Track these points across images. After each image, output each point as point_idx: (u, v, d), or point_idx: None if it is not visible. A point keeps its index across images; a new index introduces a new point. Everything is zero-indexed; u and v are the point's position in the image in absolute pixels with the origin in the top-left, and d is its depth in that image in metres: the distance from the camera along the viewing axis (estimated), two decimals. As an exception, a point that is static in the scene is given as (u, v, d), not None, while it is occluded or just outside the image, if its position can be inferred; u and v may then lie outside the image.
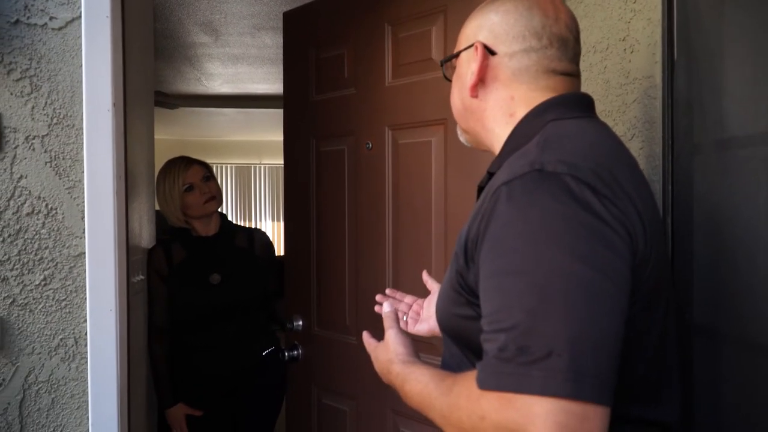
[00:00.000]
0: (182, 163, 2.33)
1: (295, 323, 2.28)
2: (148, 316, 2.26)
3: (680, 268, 1.18)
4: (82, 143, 1.55)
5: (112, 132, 1.56)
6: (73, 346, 1.57)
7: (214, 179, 2.39)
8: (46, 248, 1.56)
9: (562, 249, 0.72)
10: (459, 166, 1.74)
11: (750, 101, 1.02)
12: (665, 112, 1.24)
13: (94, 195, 1.55)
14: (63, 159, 1.56)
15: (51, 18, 1.54)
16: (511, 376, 0.68)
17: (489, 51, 0.96)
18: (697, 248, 1.14)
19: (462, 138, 1.10)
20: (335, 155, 2.12)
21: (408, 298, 1.33)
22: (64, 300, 1.57)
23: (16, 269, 1.55)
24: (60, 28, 1.54)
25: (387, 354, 1.02)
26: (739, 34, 1.07)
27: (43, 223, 1.55)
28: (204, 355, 2.28)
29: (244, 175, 8.57)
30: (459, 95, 1.03)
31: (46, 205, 1.55)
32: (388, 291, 1.35)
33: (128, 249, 1.71)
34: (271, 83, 5.14)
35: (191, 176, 2.31)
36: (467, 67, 0.99)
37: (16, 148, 1.54)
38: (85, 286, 1.56)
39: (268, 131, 7.33)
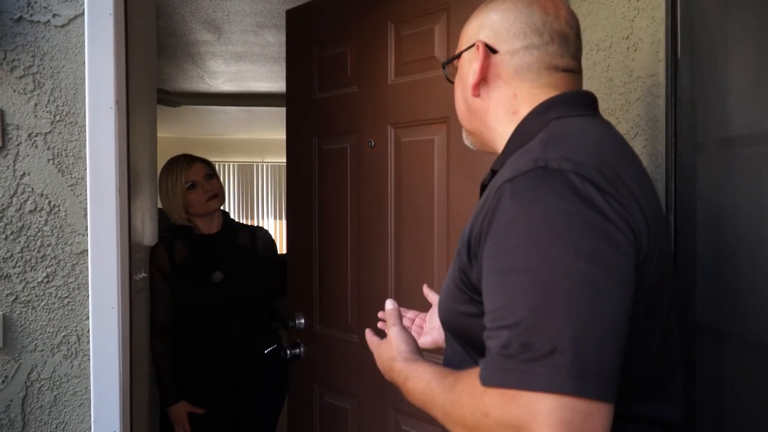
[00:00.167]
0: (185, 161, 2.33)
1: (297, 321, 2.29)
2: (151, 313, 2.26)
3: (683, 266, 1.18)
4: (85, 141, 1.55)
5: (114, 129, 1.56)
6: (75, 343, 1.58)
7: (217, 177, 2.39)
8: (48, 245, 1.56)
9: (566, 246, 0.72)
10: (461, 165, 1.74)
11: (753, 100, 1.02)
12: (668, 110, 1.24)
13: (97, 192, 1.56)
14: (66, 156, 1.56)
15: (54, 15, 1.54)
16: (514, 372, 0.68)
17: (490, 49, 0.96)
18: (700, 247, 1.14)
19: (467, 141, 1.10)
20: (338, 153, 2.12)
21: (410, 313, 1.33)
22: (66, 297, 1.57)
23: (19, 266, 1.55)
24: (63, 26, 1.54)
25: (389, 351, 1.02)
26: (743, 32, 1.07)
27: (46, 220, 1.56)
28: (206, 352, 2.28)
29: (246, 173, 8.57)
30: (462, 96, 1.03)
31: (49, 203, 1.56)
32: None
33: (131, 247, 1.71)
34: (274, 81, 5.15)
35: (194, 174, 2.31)
36: (469, 66, 0.99)
37: (18, 145, 1.54)
38: (87, 284, 1.57)
39: (270, 129, 7.33)
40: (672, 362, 0.88)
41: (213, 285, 2.28)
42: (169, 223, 2.39)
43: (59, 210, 1.56)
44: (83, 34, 1.54)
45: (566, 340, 0.67)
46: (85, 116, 1.55)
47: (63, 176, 1.56)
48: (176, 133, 7.59)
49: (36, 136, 1.55)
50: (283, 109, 2.39)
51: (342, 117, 2.10)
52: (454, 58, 1.05)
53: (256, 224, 7.98)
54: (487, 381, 0.71)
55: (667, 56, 1.24)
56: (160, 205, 2.40)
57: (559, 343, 0.67)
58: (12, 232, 1.55)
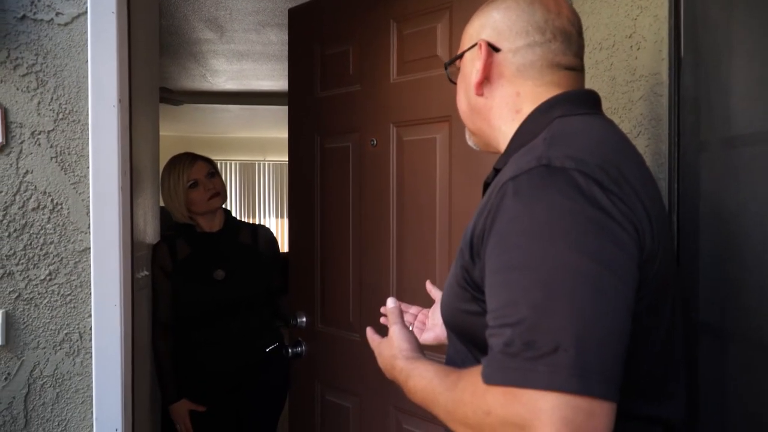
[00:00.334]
0: (187, 160, 2.33)
1: (298, 320, 2.29)
2: (153, 311, 2.27)
3: (686, 265, 1.17)
4: (88, 139, 1.56)
5: (117, 128, 1.56)
6: (77, 340, 1.58)
7: (219, 175, 2.40)
8: (51, 243, 1.56)
9: (569, 244, 0.71)
10: (464, 163, 1.74)
11: (757, 99, 1.02)
12: (672, 109, 1.23)
13: (100, 190, 1.56)
14: (68, 154, 1.56)
15: (57, 13, 1.54)
16: (517, 371, 0.68)
17: (493, 48, 0.96)
18: (703, 246, 1.14)
19: (470, 141, 1.10)
20: (340, 152, 2.12)
21: (413, 309, 1.32)
22: (69, 295, 1.57)
23: (22, 264, 1.55)
24: (66, 24, 1.55)
25: (391, 350, 1.02)
26: (746, 31, 1.06)
27: (49, 218, 1.56)
28: (208, 351, 2.28)
29: (248, 171, 8.58)
30: (465, 95, 1.03)
31: (52, 200, 1.56)
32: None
33: (133, 245, 1.72)
34: (276, 80, 5.15)
35: (196, 172, 2.31)
36: (472, 66, 0.99)
37: (22, 143, 1.54)
38: (90, 282, 1.57)
39: (272, 128, 7.34)
40: (675, 360, 0.88)
41: (215, 283, 2.28)
42: (171, 221, 2.40)
43: (62, 208, 1.56)
44: (86, 32, 1.54)
45: (569, 339, 0.67)
46: (87, 114, 1.55)
47: (66, 174, 1.56)
48: (178, 131, 7.60)
49: (39, 134, 1.55)
50: (285, 108, 2.39)
51: (344, 116, 2.10)
52: (456, 59, 1.05)
53: (257, 223, 7.99)
54: (490, 379, 0.71)
55: (670, 55, 1.24)
56: (162, 204, 2.41)
57: (561, 342, 0.67)
58: (15, 230, 1.55)
